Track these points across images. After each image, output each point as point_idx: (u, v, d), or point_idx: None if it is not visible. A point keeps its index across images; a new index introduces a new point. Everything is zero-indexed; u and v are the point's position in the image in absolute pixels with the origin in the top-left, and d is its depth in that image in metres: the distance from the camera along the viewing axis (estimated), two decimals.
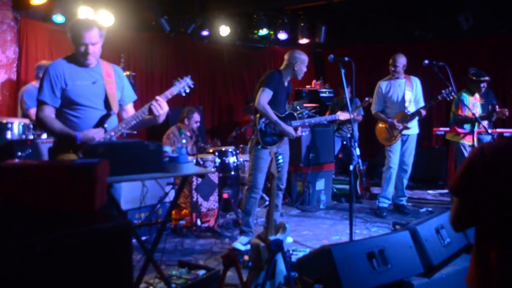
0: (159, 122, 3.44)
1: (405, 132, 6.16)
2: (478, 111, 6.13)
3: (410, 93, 6.19)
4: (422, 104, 6.21)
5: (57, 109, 3.27)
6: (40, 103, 3.24)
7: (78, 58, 3.29)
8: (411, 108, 6.15)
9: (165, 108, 3.32)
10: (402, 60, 6.16)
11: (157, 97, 3.31)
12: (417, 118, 6.14)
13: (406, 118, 6.09)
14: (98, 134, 3.21)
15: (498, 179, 1.73)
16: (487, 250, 1.76)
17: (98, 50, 3.31)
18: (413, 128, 6.23)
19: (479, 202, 1.78)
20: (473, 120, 5.92)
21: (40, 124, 3.34)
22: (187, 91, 3.48)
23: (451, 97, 5.77)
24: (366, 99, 6.83)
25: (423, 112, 5.97)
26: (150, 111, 3.28)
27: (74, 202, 1.89)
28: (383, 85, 6.34)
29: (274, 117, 4.72)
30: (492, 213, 1.76)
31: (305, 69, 4.96)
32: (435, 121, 8.94)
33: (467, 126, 6.12)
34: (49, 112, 3.24)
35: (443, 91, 5.69)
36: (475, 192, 1.78)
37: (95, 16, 6.46)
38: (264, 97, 4.69)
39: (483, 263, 1.78)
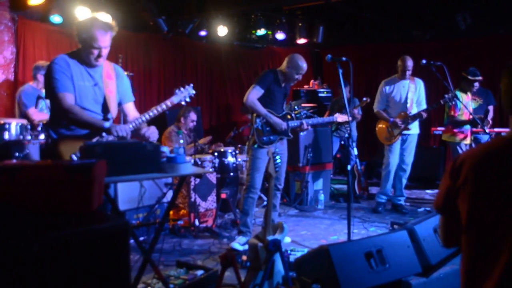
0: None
1: (405, 131, 6.20)
2: (471, 110, 6.15)
3: (413, 94, 6.24)
4: (424, 106, 6.27)
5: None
6: (61, 95, 3.13)
7: (87, 58, 3.24)
8: (413, 110, 6.21)
9: (153, 137, 3.28)
10: (411, 63, 6.20)
11: (146, 131, 3.26)
12: (418, 118, 6.18)
13: (407, 119, 6.13)
14: (126, 130, 3.18)
15: (467, 190, 1.61)
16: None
17: (108, 51, 3.30)
18: (414, 128, 6.27)
19: (457, 218, 1.66)
20: (470, 121, 5.96)
21: (68, 114, 3.14)
22: (188, 100, 3.47)
23: (453, 102, 5.82)
24: (364, 99, 6.85)
25: (424, 115, 6.03)
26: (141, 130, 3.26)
27: (71, 202, 1.89)
28: (386, 84, 6.38)
29: (264, 111, 4.72)
30: (465, 227, 1.63)
31: (297, 76, 4.86)
32: (433, 121, 8.95)
33: (467, 127, 6.14)
34: (71, 100, 3.15)
35: (445, 95, 5.77)
36: (452, 207, 1.68)
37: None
38: (253, 93, 4.71)
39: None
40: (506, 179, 1.54)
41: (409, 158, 6.32)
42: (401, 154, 6.31)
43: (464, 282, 1.63)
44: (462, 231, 1.65)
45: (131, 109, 3.54)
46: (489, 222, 1.56)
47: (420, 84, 6.34)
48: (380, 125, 6.47)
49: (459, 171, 1.64)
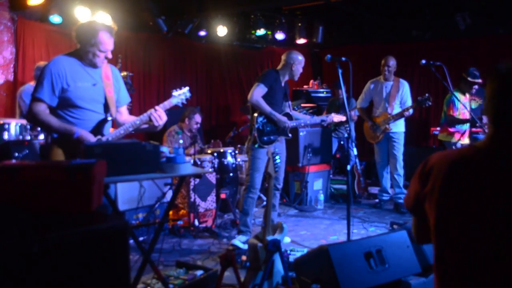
0: (156, 130, 3.45)
1: (387, 131, 6.40)
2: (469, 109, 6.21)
3: (396, 95, 6.42)
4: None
5: (53, 108, 3.22)
6: (36, 100, 3.16)
7: (88, 59, 3.25)
8: (394, 111, 6.40)
9: (164, 118, 3.33)
10: (394, 63, 6.43)
11: (157, 107, 3.31)
12: (402, 117, 6.38)
13: (388, 119, 6.34)
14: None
15: (434, 198, 1.58)
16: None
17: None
18: (398, 126, 6.44)
19: (426, 219, 1.65)
20: (468, 121, 5.99)
21: (35, 119, 3.21)
22: (185, 102, 3.51)
23: (426, 105, 6.01)
24: None
25: (406, 114, 6.24)
26: (150, 119, 3.29)
27: (71, 202, 1.89)
28: (371, 84, 6.63)
29: (268, 109, 4.73)
30: (434, 231, 1.61)
31: (301, 70, 5.00)
32: (432, 121, 8.95)
33: (460, 126, 6.19)
34: (44, 108, 3.18)
35: (418, 98, 6.07)
36: (421, 210, 1.66)
37: (92, 16, 6.46)
38: (258, 91, 4.71)
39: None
40: (471, 190, 1.50)
41: (398, 154, 6.43)
42: (390, 152, 6.48)
43: (435, 276, 1.63)
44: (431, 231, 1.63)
45: (124, 112, 3.56)
46: (453, 230, 1.54)
47: (404, 85, 6.50)
48: (366, 125, 6.70)
49: (428, 177, 1.63)
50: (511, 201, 1.42)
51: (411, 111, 6.22)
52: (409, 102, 6.43)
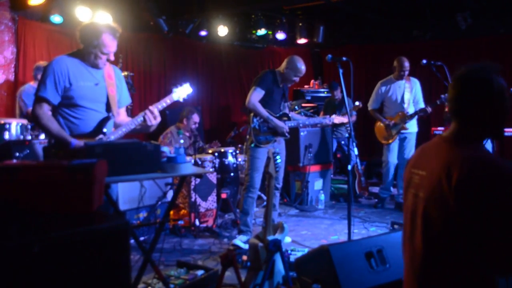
0: (150, 131, 3.45)
1: (403, 130, 6.32)
2: None
3: (409, 94, 6.37)
4: (421, 104, 6.38)
5: (55, 107, 3.22)
6: (40, 99, 3.16)
7: (91, 60, 3.26)
8: (410, 109, 6.33)
9: (158, 119, 3.33)
10: (408, 64, 6.32)
11: (151, 108, 3.31)
12: (416, 117, 6.30)
13: (405, 118, 6.25)
14: None
15: (405, 184, 2.05)
16: None
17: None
18: (412, 126, 6.38)
19: None
20: None
21: (36, 121, 3.22)
22: (186, 98, 3.51)
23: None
24: (357, 103, 6.82)
25: (429, 110, 6.13)
26: (144, 120, 3.30)
27: (71, 202, 1.89)
28: (383, 85, 6.52)
29: (265, 113, 4.74)
30: None
31: (294, 78, 4.88)
32: (433, 121, 8.95)
33: None
34: (47, 110, 3.18)
35: (442, 96, 5.96)
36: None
37: (93, 16, 6.46)
38: (255, 95, 4.72)
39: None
40: (425, 167, 1.90)
41: (409, 156, 6.37)
42: (401, 152, 6.42)
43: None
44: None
45: (122, 113, 3.56)
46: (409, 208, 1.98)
47: (416, 83, 6.48)
48: (378, 125, 6.58)
49: (407, 163, 2.09)
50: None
51: (429, 108, 6.17)
52: (421, 100, 6.43)
